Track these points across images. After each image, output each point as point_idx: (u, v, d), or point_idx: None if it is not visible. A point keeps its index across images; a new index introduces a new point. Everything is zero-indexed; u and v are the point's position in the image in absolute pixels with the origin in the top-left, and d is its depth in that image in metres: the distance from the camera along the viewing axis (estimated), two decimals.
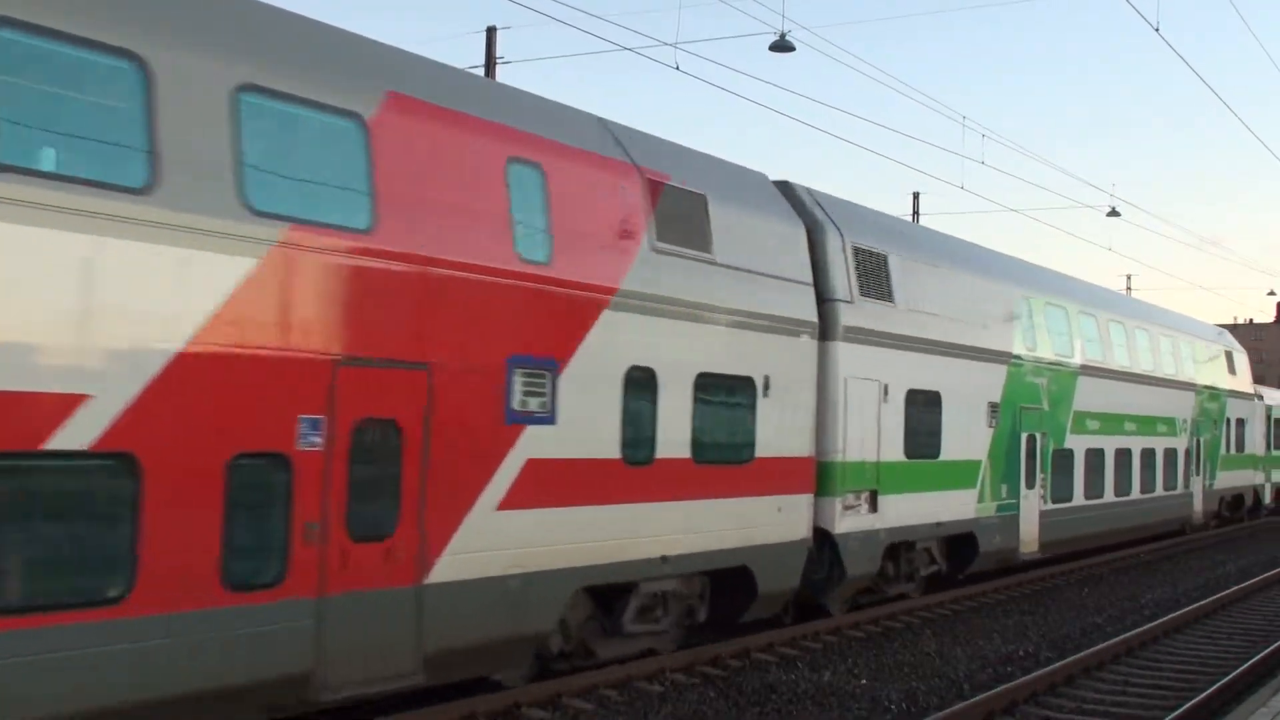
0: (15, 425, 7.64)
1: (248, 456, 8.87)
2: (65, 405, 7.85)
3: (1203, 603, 19.23)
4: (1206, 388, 30.88)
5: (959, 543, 19.24)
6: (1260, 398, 36.68)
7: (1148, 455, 26.67)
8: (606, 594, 12.64)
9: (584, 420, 11.74)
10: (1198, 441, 30.05)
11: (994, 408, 19.83)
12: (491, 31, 25.65)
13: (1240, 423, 33.84)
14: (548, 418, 11.34)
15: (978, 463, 19.34)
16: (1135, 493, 26.04)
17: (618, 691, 12.25)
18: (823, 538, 15.73)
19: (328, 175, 9.66)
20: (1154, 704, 12.66)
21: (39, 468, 7.84)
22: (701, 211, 13.63)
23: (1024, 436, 20.88)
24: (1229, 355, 33.38)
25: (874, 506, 16.57)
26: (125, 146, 8.34)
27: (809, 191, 16.61)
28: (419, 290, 10.13)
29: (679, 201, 13.33)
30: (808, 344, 15.14)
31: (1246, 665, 14.05)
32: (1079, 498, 23.11)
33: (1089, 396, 23.55)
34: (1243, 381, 34.39)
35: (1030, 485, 21.10)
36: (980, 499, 19.40)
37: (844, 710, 12.09)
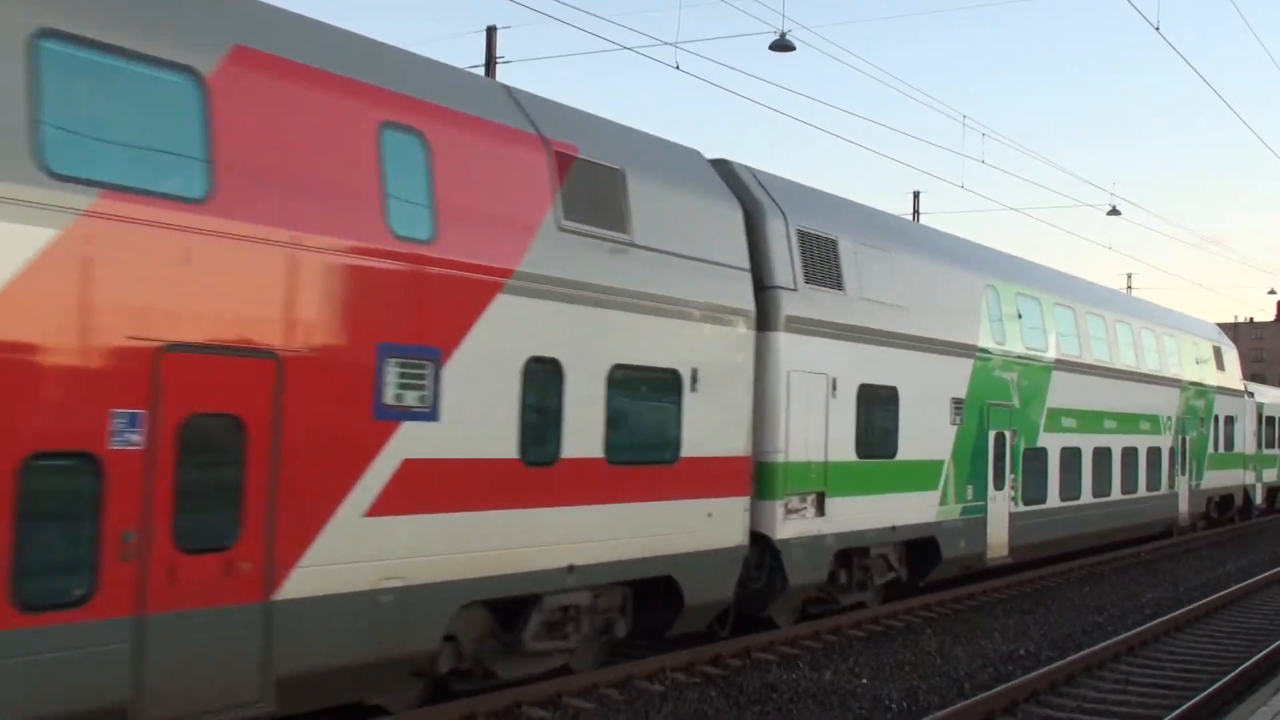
0: None
1: (45, 457, 7.71)
2: None
3: (1204, 601, 19.10)
4: (1193, 384, 29.68)
5: (920, 548, 18.06)
6: (1251, 394, 35.47)
7: (1129, 454, 25.48)
8: (508, 608, 11.48)
9: (473, 416, 10.57)
10: (1183, 440, 28.85)
11: (958, 404, 18.65)
12: (491, 31, 25.97)
13: (1229, 420, 32.63)
14: (428, 413, 10.17)
15: (940, 463, 18.16)
16: (1115, 494, 24.84)
17: (618, 690, 12.23)
18: (763, 544, 14.57)
19: (155, 138, 8.49)
20: (1155, 703, 12.59)
21: None
22: (618, 188, 12.46)
23: (992, 435, 19.70)
24: (1217, 350, 32.17)
25: (821, 510, 15.39)
26: None
27: (750, 171, 15.44)
28: (265, 268, 8.96)
29: (591, 176, 12.16)
30: (743, 334, 13.96)
31: (1247, 664, 13.95)
32: (1054, 499, 21.92)
33: (1065, 393, 22.36)
34: (1232, 378, 33.16)
35: (999, 486, 19.92)
36: (943, 501, 18.22)
37: (845, 709, 12.01)
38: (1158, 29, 21.35)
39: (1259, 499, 36.33)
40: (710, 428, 13.38)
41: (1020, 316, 20.94)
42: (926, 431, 17.77)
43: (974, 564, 19.40)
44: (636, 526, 12.37)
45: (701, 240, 13.48)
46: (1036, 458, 21.32)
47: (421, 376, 10.11)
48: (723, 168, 15.10)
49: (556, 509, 11.41)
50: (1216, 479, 31.61)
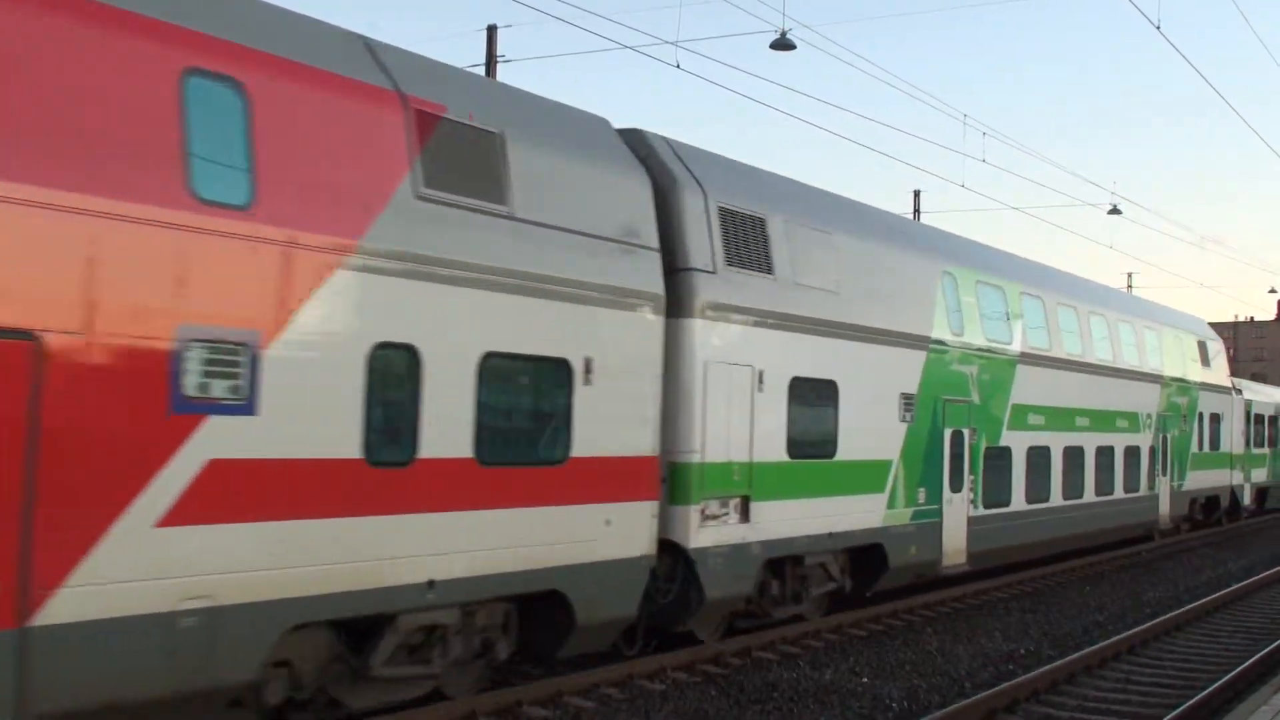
0: None
1: None
2: None
3: (1204, 601, 19.04)
4: (1175, 380, 28.25)
5: (865, 556, 16.65)
6: (1239, 392, 34.01)
7: (1104, 454, 24.05)
8: (360, 630, 10.08)
9: (303, 410, 9.17)
10: (1164, 438, 27.42)
11: (908, 400, 17.24)
12: (492, 30, 25.87)
13: (1215, 418, 31.19)
14: (243, 406, 8.77)
15: (886, 463, 16.75)
16: (1089, 495, 23.41)
17: (619, 689, 12.18)
18: (676, 554, 13.17)
19: None
20: (1156, 702, 12.56)
21: None
22: (494, 154, 11.06)
23: (947, 433, 18.29)
24: (1202, 345, 30.72)
25: (745, 515, 13.98)
26: None
27: (666, 142, 14.03)
28: (17, 234, 7.57)
29: (461, 140, 10.76)
30: (650, 321, 12.56)
31: (1248, 663, 13.92)
32: (1018, 502, 20.50)
33: (1031, 388, 20.95)
34: (1218, 374, 31.71)
35: (956, 489, 18.51)
36: (890, 505, 16.81)
37: (845, 708, 11.97)
38: (1158, 28, 21.43)
39: (1247, 500, 34.85)
40: (608, 424, 11.98)
41: (981, 306, 19.53)
42: (871, 429, 16.37)
43: (927, 572, 17.99)
44: (516, 535, 10.98)
45: (600, 215, 12.09)
46: (999, 458, 19.91)
47: (234, 364, 8.72)
48: (633, 137, 13.70)
49: (412, 516, 10.01)
50: (1200, 479, 30.17)
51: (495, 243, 10.83)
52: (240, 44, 9.11)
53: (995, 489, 19.75)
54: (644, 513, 12.44)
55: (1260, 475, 36.53)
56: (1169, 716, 11.47)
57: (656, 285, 12.66)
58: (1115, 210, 35.73)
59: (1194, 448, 29.60)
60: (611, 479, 12.01)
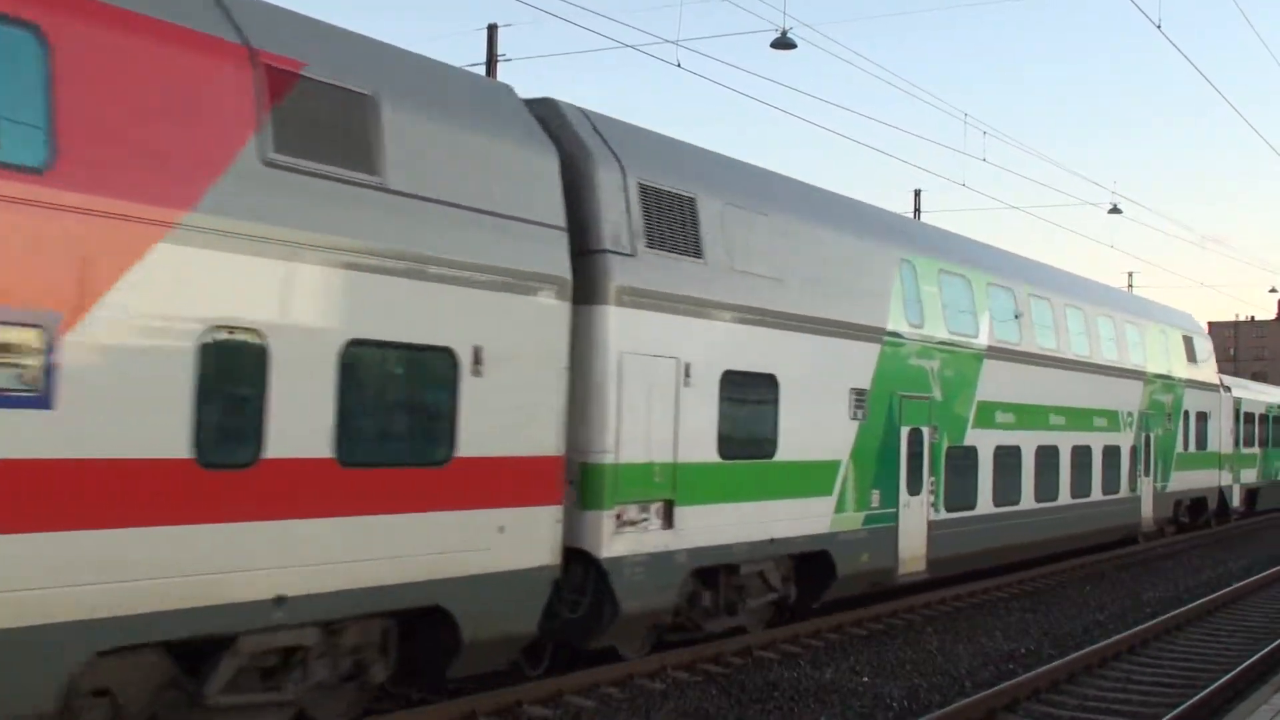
0: None
1: None
2: None
3: (1204, 600, 18.98)
4: (1158, 377, 27.04)
5: (811, 563, 15.46)
6: (1228, 389, 32.79)
7: (1080, 454, 22.85)
8: (200, 653, 8.91)
9: (113, 404, 7.99)
10: (1147, 438, 26.21)
11: (860, 396, 16.05)
12: (493, 29, 25.72)
13: (1201, 417, 29.98)
14: (36, 399, 7.59)
15: (834, 464, 15.56)
16: (1064, 498, 22.22)
17: (619, 689, 12.10)
18: (587, 563, 12.00)
19: None
20: (1156, 701, 12.52)
21: None
22: (365, 118, 9.87)
23: (905, 431, 17.10)
24: (1188, 340, 29.51)
25: (669, 521, 12.80)
26: None
27: (583, 113, 12.85)
28: None
29: (323, 101, 9.57)
30: (553, 307, 11.38)
31: (1248, 663, 13.85)
32: (985, 505, 19.31)
33: (1000, 384, 19.76)
34: (1205, 371, 30.50)
35: (914, 491, 17.32)
36: (839, 508, 15.62)
37: (846, 707, 11.93)
38: (1159, 27, 21.18)
39: (1236, 501, 33.60)
40: (501, 421, 10.80)
41: (944, 297, 18.34)
42: (816, 427, 15.18)
43: (882, 581, 16.80)
44: (390, 545, 9.79)
45: (495, 190, 10.90)
46: (963, 458, 18.72)
47: (23, 350, 7.54)
48: (544, 108, 12.51)
49: (255, 524, 8.83)
50: (1186, 480, 28.96)
51: (364, 217, 9.65)
52: None
53: (959, 491, 18.56)
54: (545, 519, 11.25)
55: (1250, 476, 35.30)
56: (1169, 716, 11.40)
57: (561, 268, 11.47)
58: (1115, 209, 35.54)
59: (1179, 447, 28.39)
60: (505, 482, 10.82)
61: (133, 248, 8.08)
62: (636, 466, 12.31)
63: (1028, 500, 20.75)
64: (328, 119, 9.57)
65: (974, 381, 19.05)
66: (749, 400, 14.13)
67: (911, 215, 40.69)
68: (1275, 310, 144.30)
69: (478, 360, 10.54)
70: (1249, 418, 34.98)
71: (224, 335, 8.63)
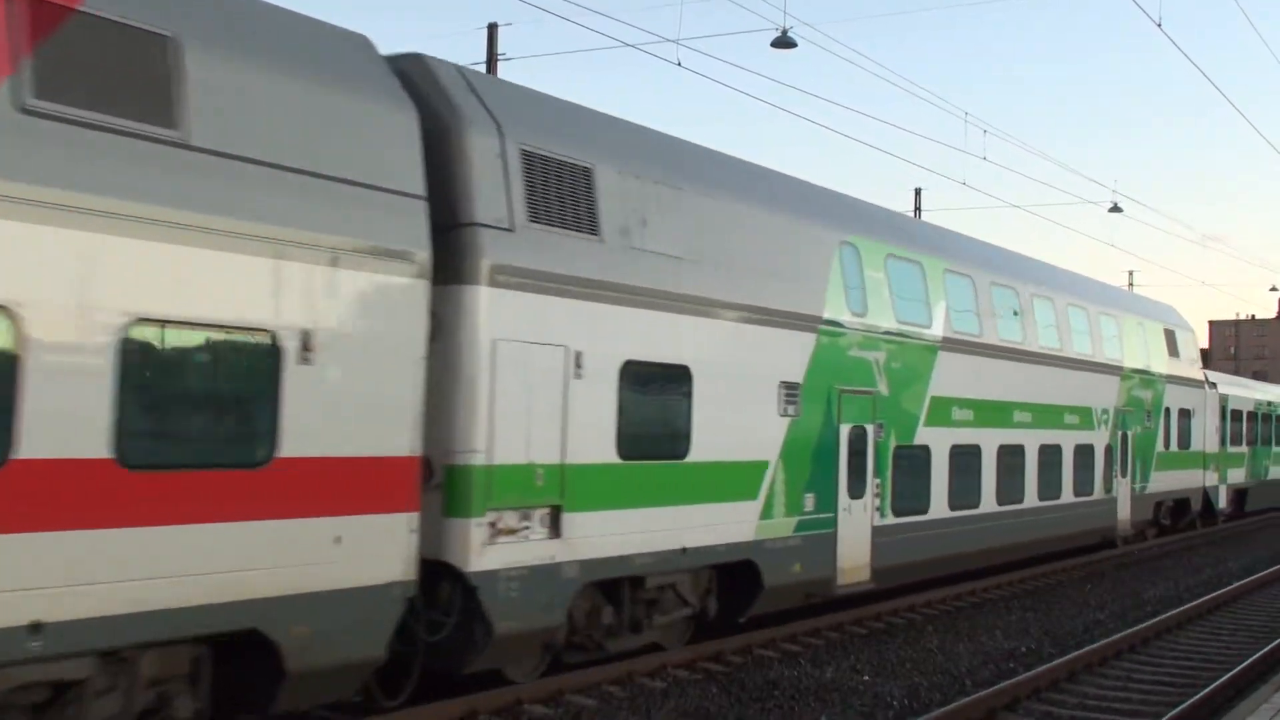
0: None
1: None
2: None
3: (1205, 599, 18.95)
4: (1136, 372, 25.59)
5: (734, 574, 14.05)
6: (1213, 385, 31.34)
7: (1049, 453, 21.42)
8: None
9: None
10: (1123, 436, 24.77)
11: (791, 390, 14.63)
12: (493, 29, 25.62)
13: (1184, 414, 28.52)
14: None
15: (761, 465, 14.15)
16: (1030, 500, 20.79)
17: (620, 687, 12.09)
18: (454, 579, 10.58)
19: None
20: (1156, 700, 12.52)
21: None
22: (161, 62, 8.45)
23: (845, 429, 15.68)
24: (1169, 334, 28.06)
25: (556, 530, 11.39)
26: None
27: (460, 71, 11.43)
28: None
29: (102, 41, 8.16)
30: (407, 287, 9.95)
31: (1249, 661, 13.82)
32: (939, 509, 17.88)
33: (956, 379, 18.34)
34: (1187, 366, 29.04)
35: (855, 494, 15.90)
36: (766, 514, 14.20)
37: (846, 706, 11.92)
38: (1159, 25, 20.94)
39: (1222, 503, 32.12)
40: (338, 417, 9.37)
41: (892, 283, 16.92)
42: (738, 424, 13.77)
43: (819, 592, 15.38)
44: (189, 560, 8.38)
45: (332, 152, 9.48)
46: (913, 458, 17.30)
47: None
48: (411, 64, 11.10)
49: (3, 537, 7.42)
50: (1167, 481, 27.50)
51: (155, 176, 8.24)
52: None
53: (908, 494, 17.14)
54: (395, 528, 9.83)
55: (1238, 476, 33.82)
56: (1170, 714, 11.34)
57: (419, 242, 10.05)
58: (1116, 208, 35.25)
59: (1159, 446, 26.94)
60: (343, 486, 9.40)
61: None
62: (514, 468, 10.90)
63: (988, 503, 19.32)
64: (112, 62, 8.16)
65: (927, 375, 17.63)
66: (656, 394, 12.73)
67: (912, 214, 39.28)
68: (1276, 309, 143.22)
69: (306, 346, 9.13)
70: (1236, 415, 33.52)
71: None
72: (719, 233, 13.66)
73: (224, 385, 8.82)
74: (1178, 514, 29.10)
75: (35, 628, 7.57)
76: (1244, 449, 34.34)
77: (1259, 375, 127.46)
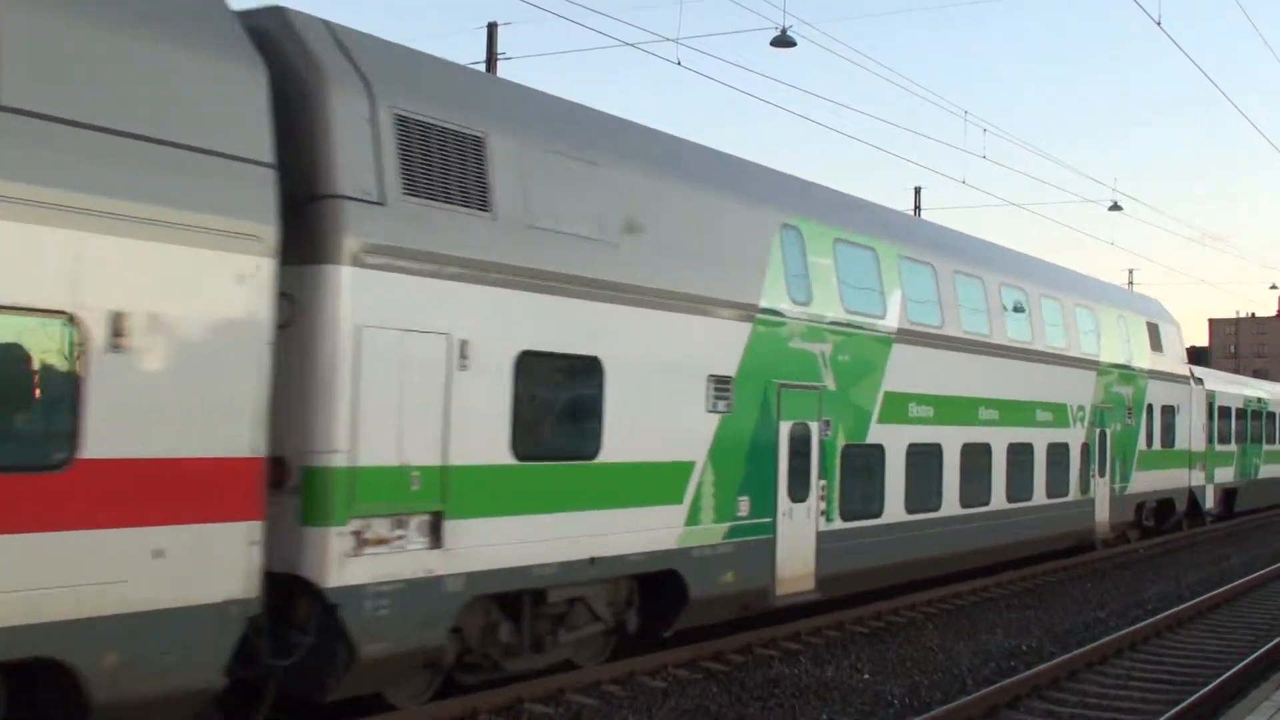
0: None
1: None
2: None
3: (1205, 597, 18.90)
4: (1116, 367, 24.39)
5: (657, 586, 12.87)
6: (1199, 381, 30.13)
7: (1019, 453, 20.22)
8: None
9: None
10: (1102, 434, 23.57)
11: (722, 385, 13.45)
12: (493, 28, 25.48)
13: (1168, 411, 27.31)
14: None
15: (685, 466, 12.96)
16: (998, 502, 19.60)
17: (620, 686, 12.08)
18: (314, 596, 9.41)
19: None
20: (1157, 698, 12.52)
21: None
22: None
23: (785, 427, 14.49)
24: (1153, 328, 26.84)
25: (437, 539, 10.20)
26: None
27: (326, 26, 10.20)
28: None
29: None
30: (246, 266, 8.76)
31: (1250, 659, 13.81)
32: (895, 512, 16.69)
33: (914, 373, 17.14)
34: (1172, 361, 27.82)
35: (798, 497, 14.70)
36: (692, 519, 13.02)
37: (847, 705, 11.90)
38: (1159, 23, 20.71)
39: (1209, 503, 30.88)
40: (158, 411, 8.19)
41: (841, 270, 15.73)
42: (658, 422, 12.58)
43: (756, 603, 14.19)
44: None
45: (154, 111, 8.30)
46: (865, 458, 16.11)
47: None
48: (269, 18, 9.90)
49: None
50: (1150, 481, 26.29)
51: None
52: None
53: (859, 496, 15.95)
54: (232, 539, 8.65)
55: (1226, 475, 32.59)
56: (1171, 712, 11.32)
57: (263, 215, 8.87)
58: (1116, 206, 34.90)
59: (1141, 444, 25.73)
60: (164, 492, 8.22)
61: None
62: (384, 471, 9.71)
63: (950, 506, 18.13)
64: None
65: (880, 369, 16.44)
66: (560, 388, 11.56)
67: (912, 212, 38.09)
68: (1276, 307, 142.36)
69: (118, 331, 7.95)
70: (1224, 412, 32.29)
71: None
72: (639, 212, 12.48)
73: (11, 375, 7.63)
74: (1162, 515, 27.88)
75: None
76: (1232, 447, 33.12)
77: (1259, 374, 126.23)
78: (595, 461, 11.80)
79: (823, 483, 15.16)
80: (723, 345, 13.49)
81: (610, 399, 11.92)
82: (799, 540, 14.75)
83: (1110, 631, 16.12)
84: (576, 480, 11.59)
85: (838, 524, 15.45)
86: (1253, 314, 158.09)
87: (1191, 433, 28.84)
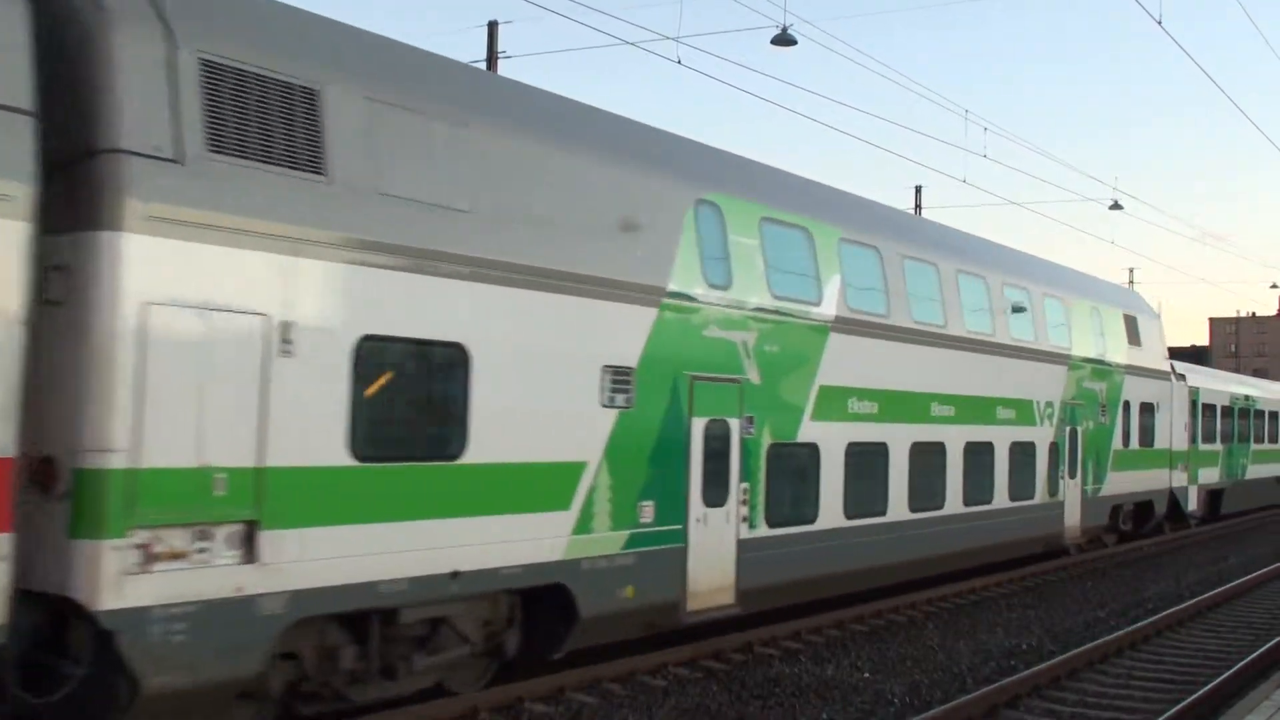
0: None
1: None
2: None
3: (1206, 596, 18.86)
4: (1088, 361, 22.95)
5: (542, 603, 11.47)
6: (1181, 377, 28.68)
7: (976, 452, 18.80)
8: None
9: None
10: (1072, 432, 22.14)
11: (621, 376, 12.04)
12: (493, 26, 25.45)
13: (1146, 408, 25.86)
14: None
15: (574, 467, 11.55)
16: (954, 506, 18.17)
17: (621, 685, 12.04)
18: (87, 620, 8.01)
19: None
20: (1157, 697, 12.50)
21: None
22: None
23: (699, 424, 13.08)
24: (1130, 320, 25.39)
25: (250, 553, 8.80)
26: None
27: None
28: None
29: None
30: None
31: (1250, 658, 13.81)
32: (831, 517, 15.26)
33: (854, 365, 15.73)
34: (1151, 355, 26.36)
35: (715, 501, 13.30)
36: (581, 527, 11.60)
37: (847, 704, 11.87)
38: (1160, 23, 20.38)
39: (1192, 505, 29.40)
40: None
41: (767, 251, 14.31)
42: (540, 417, 11.17)
43: (662, 620, 12.78)
44: None
45: None
46: (795, 458, 14.69)
47: None
48: None
49: None
50: (1126, 482, 24.83)
51: None
52: None
53: (789, 501, 14.54)
54: None
55: (1211, 475, 31.12)
56: (1171, 712, 11.32)
57: (13, 169, 7.47)
58: (1116, 205, 34.70)
59: (1117, 444, 24.29)
60: None
61: None
62: (178, 473, 8.31)
63: (898, 510, 16.71)
64: None
65: (814, 361, 15.02)
66: (414, 379, 10.15)
67: (913, 211, 36.67)
68: (1276, 307, 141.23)
69: None
70: (1209, 410, 30.84)
71: None
72: (520, 181, 11.07)
73: None
74: (1141, 519, 26.44)
75: None
76: (1218, 446, 31.66)
77: (1259, 373, 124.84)
78: (460, 463, 10.38)
79: (744, 486, 13.74)
80: (621, 332, 12.08)
81: (478, 392, 10.51)
82: (716, 549, 13.33)
83: (1110, 631, 16.09)
84: (435, 484, 10.17)
85: (763, 531, 14.04)
86: (1253, 313, 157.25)
87: (1172, 431, 27.38)
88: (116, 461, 7.97)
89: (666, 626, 12.86)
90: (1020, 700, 12.15)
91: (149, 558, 8.15)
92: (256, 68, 9.04)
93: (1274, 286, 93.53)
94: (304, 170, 9.24)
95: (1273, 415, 37.70)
